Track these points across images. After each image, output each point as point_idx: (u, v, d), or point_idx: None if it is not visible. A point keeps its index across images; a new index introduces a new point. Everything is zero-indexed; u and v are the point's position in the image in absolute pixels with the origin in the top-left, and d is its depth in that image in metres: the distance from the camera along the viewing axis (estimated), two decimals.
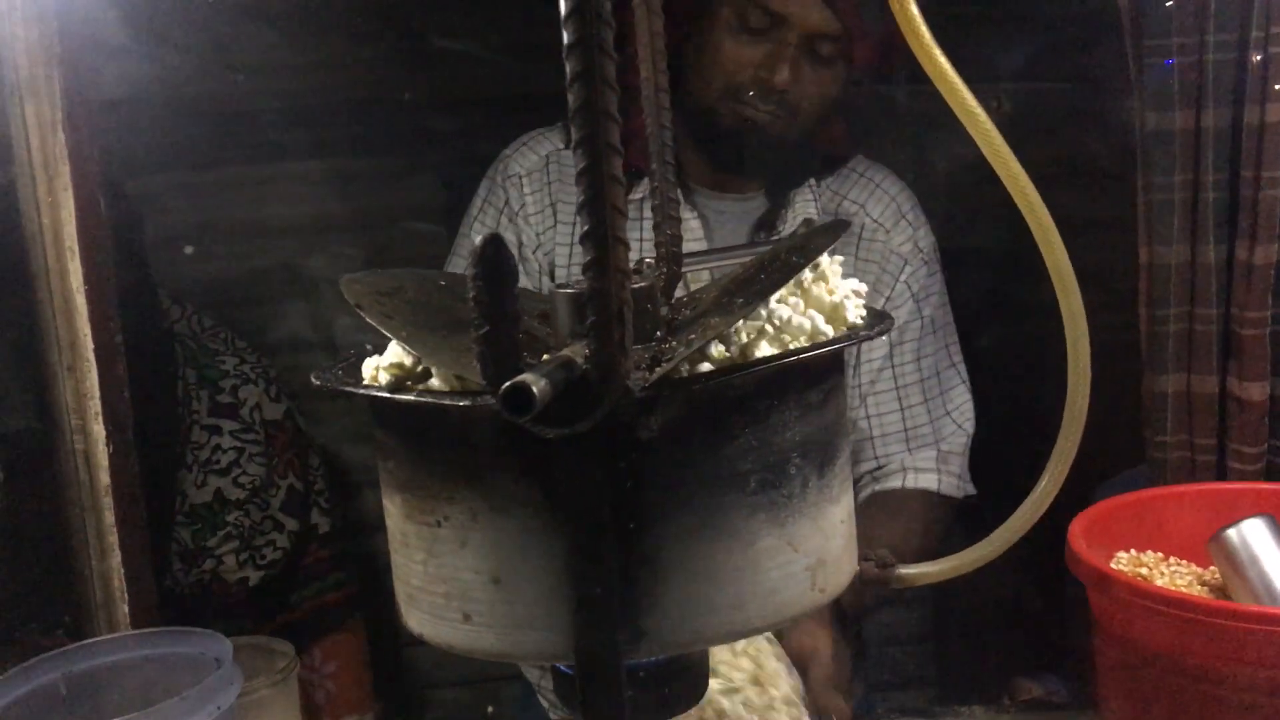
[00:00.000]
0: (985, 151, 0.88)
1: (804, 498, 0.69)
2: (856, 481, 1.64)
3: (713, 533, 0.66)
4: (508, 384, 0.52)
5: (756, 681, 1.13)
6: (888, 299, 1.61)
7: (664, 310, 0.78)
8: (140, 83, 1.60)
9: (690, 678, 0.74)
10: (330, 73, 2.16)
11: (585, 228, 0.56)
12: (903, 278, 1.61)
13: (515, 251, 1.57)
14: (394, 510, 0.71)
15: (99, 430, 1.31)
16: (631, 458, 0.63)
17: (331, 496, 1.93)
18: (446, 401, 0.63)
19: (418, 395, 0.65)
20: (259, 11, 1.81)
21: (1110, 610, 1.05)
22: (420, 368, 0.66)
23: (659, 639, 0.65)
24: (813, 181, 1.61)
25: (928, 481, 1.61)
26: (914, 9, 0.86)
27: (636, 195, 1.53)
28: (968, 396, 1.66)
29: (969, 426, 1.64)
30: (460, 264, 1.56)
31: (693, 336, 0.67)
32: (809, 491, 0.69)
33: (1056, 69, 1.88)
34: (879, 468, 1.63)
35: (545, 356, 0.63)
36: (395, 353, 0.67)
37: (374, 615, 1.97)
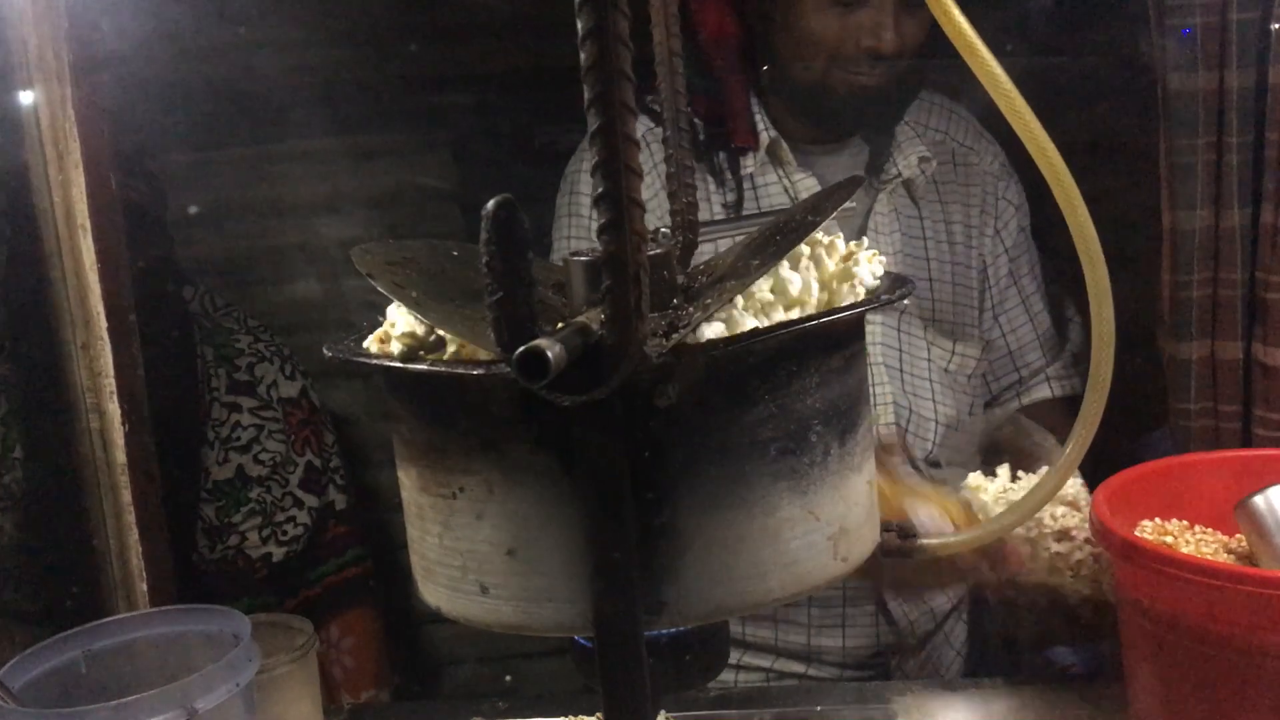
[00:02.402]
0: (1011, 120, 0.86)
1: (825, 465, 0.68)
2: (998, 397, 1.68)
3: (733, 501, 0.65)
4: (522, 349, 0.51)
5: None
6: (996, 217, 1.62)
7: (681, 278, 0.77)
8: (154, 61, 1.58)
9: (711, 648, 0.73)
10: (344, 49, 2.15)
11: (599, 190, 0.55)
12: (1001, 193, 1.63)
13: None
14: (409, 483, 0.70)
15: (114, 409, 1.30)
16: (649, 426, 0.62)
17: (346, 473, 1.93)
18: (460, 370, 0.62)
19: (431, 364, 0.64)
20: None
21: (1136, 579, 1.03)
22: (433, 337, 0.65)
23: (679, 610, 0.64)
24: (906, 120, 1.60)
25: (1073, 386, 1.64)
26: None
27: (748, 169, 1.54)
28: (1067, 298, 1.69)
29: (1079, 319, 1.67)
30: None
31: (709, 301, 0.65)
32: (830, 459, 0.68)
33: (1078, 40, 1.85)
34: (1020, 380, 1.66)
35: (561, 324, 0.62)
36: (408, 322, 0.66)
37: (390, 592, 1.97)
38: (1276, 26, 1.26)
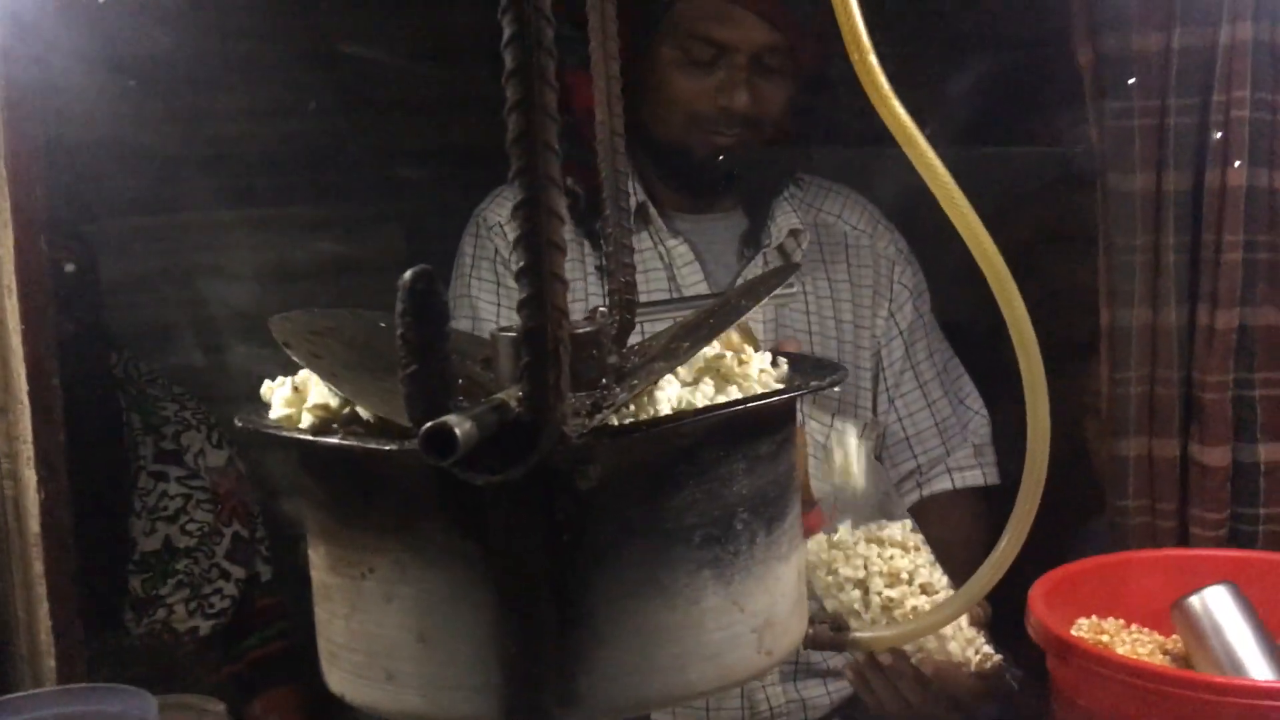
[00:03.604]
0: (949, 212, 0.86)
1: (751, 555, 0.66)
2: (900, 484, 1.66)
3: (654, 590, 0.62)
4: (428, 425, 0.49)
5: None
6: (890, 300, 1.64)
7: (614, 358, 0.75)
8: (94, 125, 1.57)
9: None
10: (292, 120, 2.14)
11: (520, 263, 0.53)
12: (897, 278, 1.64)
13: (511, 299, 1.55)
14: (318, 561, 0.67)
15: (30, 475, 1.26)
16: (569, 509, 0.60)
17: (272, 544, 1.89)
18: (371, 445, 0.60)
19: (342, 438, 0.61)
20: (217, 58, 1.79)
21: (1070, 678, 1.02)
22: (347, 410, 0.63)
23: (594, 702, 0.62)
24: (787, 193, 1.63)
25: (974, 478, 1.63)
26: (874, 61, 0.84)
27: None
28: (972, 384, 1.69)
29: (985, 413, 1.67)
30: (463, 325, 1.54)
31: (635, 382, 0.64)
32: (757, 549, 0.66)
33: (1021, 131, 1.90)
34: (918, 469, 1.65)
35: (483, 400, 0.59)
36: (320, 393, 0.64)
37: (316, 671, 1.91)
38: (1218, 135, 1.28)
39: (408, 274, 0.53)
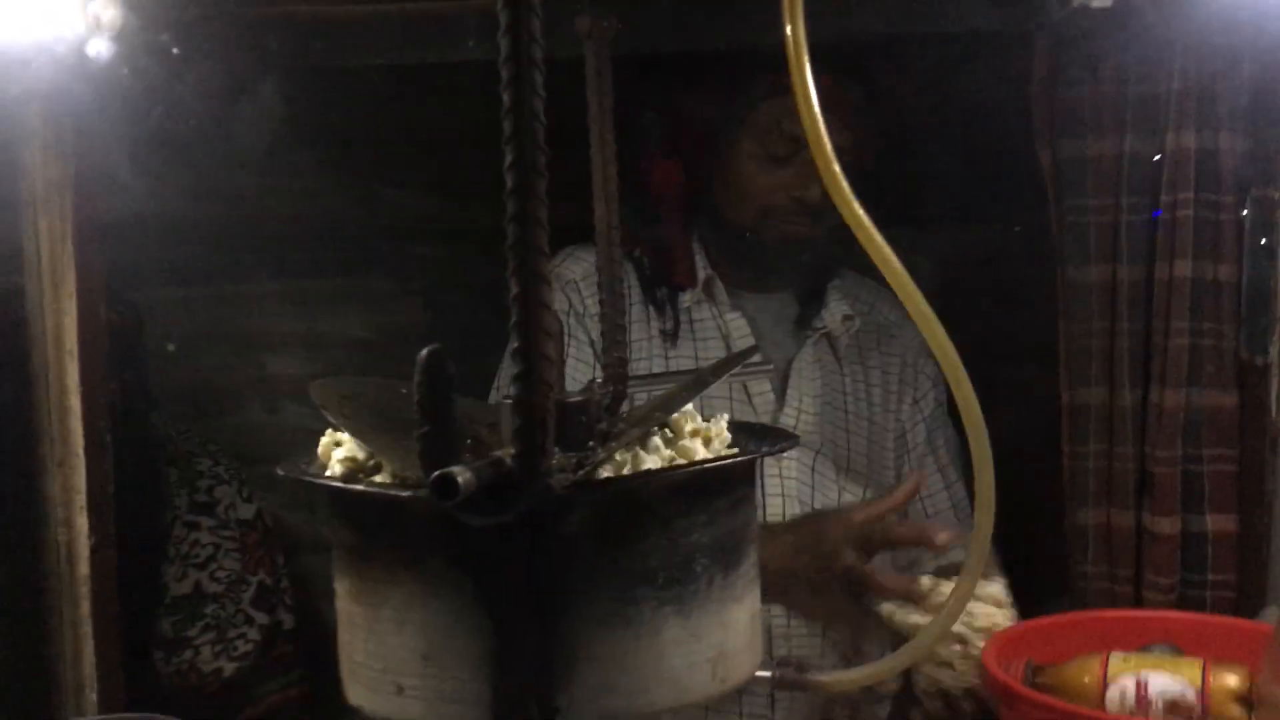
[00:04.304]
0: (902, 298, 0.97)
1: (709, 595, 0.77)
2: (914, 561, 1.70)
3: (622, 622, 0.74)
4: (436, 473, 0.61)
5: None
6: (915, 388, 1.74)
7: (602, 425, 0.87)
8: (139, 201, 1.71)
9: None
10: (329, 197, 2.28)
11: (514, 345, 0.66)
12: (923, 370, 1.74)
13: (591, 349, 1.68)
14: (342, 592, 0.79)
15: (82, 523, 1.38)
16: (552, 550, 0.72)
17: (295, 595, 2.00)
18: (391, 492, 0.72)
19: (366, 486, 0.74)
20: (254, 139, 1.94)
21: None
22: (371, 462, 0.76)
23: (571, 715, 0.73)
24: (837, 281, 1.74)
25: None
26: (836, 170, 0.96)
27: (685, 304, 1.68)
28: None
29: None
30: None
31: (613, 445, 0.76)
32: (714, 589, 0.78)
33: (989, 214, 2.02)
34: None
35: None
36: (349, 448, 0.77)
37: (330, 716, 2.01)
38: (1164, 222, 1.40)
39: (423, 352, 0.66)
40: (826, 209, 1.61)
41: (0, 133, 1.34)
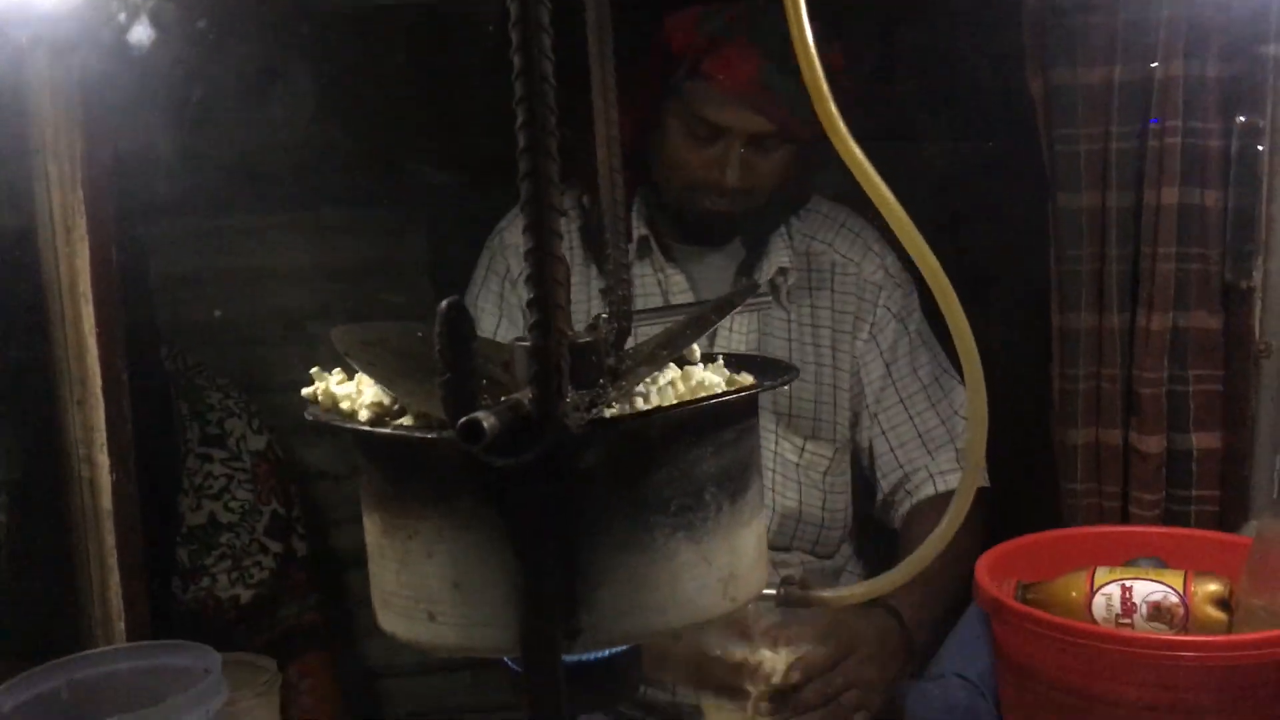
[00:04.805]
0: (893, 226, 1.00)
1: (718, 521, 0.82)
2: (891, 495, 1.77)
3: (639, 548, 0.79)
4: (463, 420, 0.65)
5: None
6: (871, 324, 1.75)
7: (610, 361, 0.91)
8: (146, 132, 1.72)
9: (622, 675, 0.87)
10: (332, 129, 2.29)
11: (530, 295, 0.70)
12: (881, 302, 1.76)
13: (497, 315, 1.72)
14: (372, 527, 0.83)
15: (103, 460, 1.43)
16: (571, 485, 0.77)
17: (307, 524, 2.06)
18: (419, 435, 0.76)
19: (394, 430, 0.78)
20: (259, 71, 1.95)
21: (1007, 636, 1.18)
22: (396, 406, 0.80)
23: (592, 636, 0.78)
24: (783, 228, 1.76)
25: (955, 481, 1.71)
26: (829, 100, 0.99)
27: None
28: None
29: None
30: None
31: (624, 384, 0.80)
32: (723, 515, 0.82)
33: (979, 158, 2.04)
34: (905, 477, 1.75)
35: (503, 399, 0.76)
36: (375, 393, 0.81)
37: (345, 639, 2.10)
38: (1152, 149, 1.43)
39: (443, 304, 0.69)
40: (753, 189, 1.65)
41: (8, 79, 1.35)
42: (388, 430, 0.78)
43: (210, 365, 2.05)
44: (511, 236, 1.78)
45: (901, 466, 1.76)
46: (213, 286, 2.29)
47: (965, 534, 1.69)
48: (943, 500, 1.71)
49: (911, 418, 1.76)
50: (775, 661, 1.38)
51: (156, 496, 1.88)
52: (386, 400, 0.81)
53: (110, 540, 1.44)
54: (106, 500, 1.44)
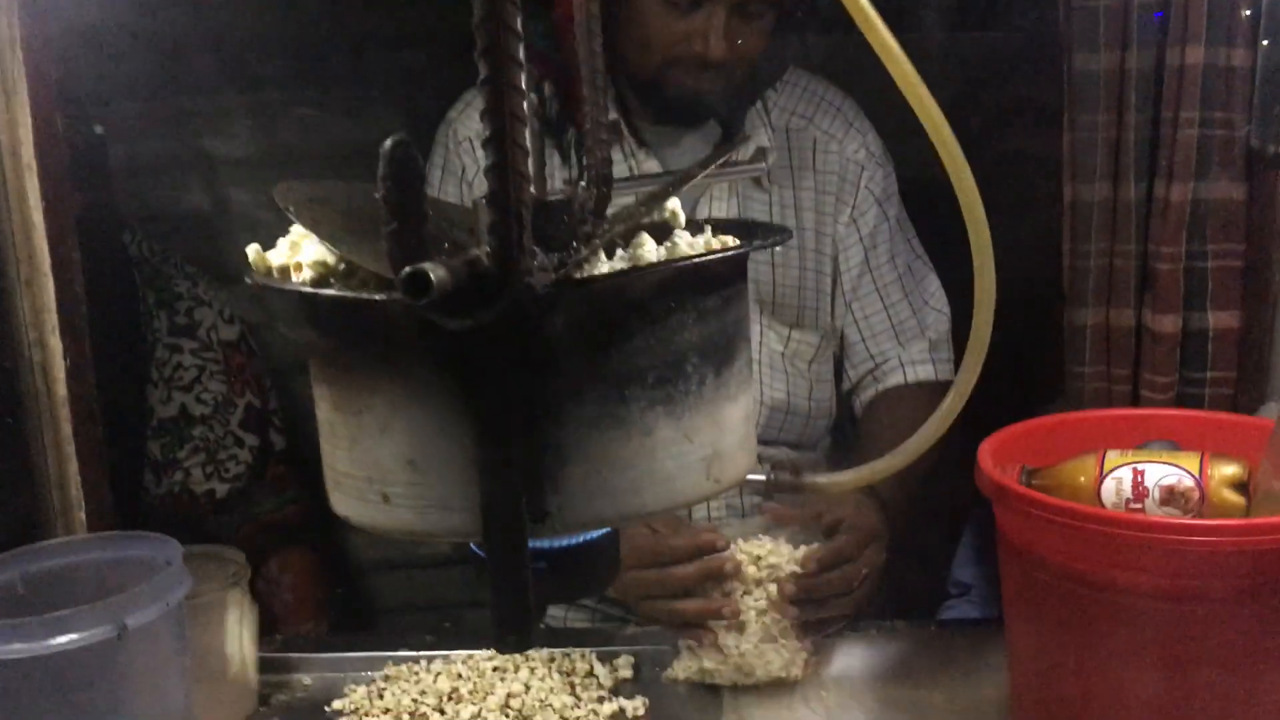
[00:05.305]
0: (903, 89, 0.91)
1: (700, 394, 0.74)
2: (858, 384, 1.72)
3: (612, 423, 0.71)
4: (407, 269, 0.57)
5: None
6: (853, 206, 1.67)
7: (587, 226, 0.83)
8: (103, 9, 1.62)
9: (598, 564, 0.80)
10: (297, 7, 2.18)
11: (486, 134, 0.61)
12: (863, 183, 1.67)
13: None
14: (321, 401, 0.76)
15: (56, 344, 1.35)
16: (537, 352, 0.68)
17: (284, 416, 1.99)
18: (365, 295, 0.68)
19: (339, 290, 0.70)
20: None
21: (1011, 522, 1.11)
22: (343, 266, 0.71)
23: (561, 519, 0.71)
24: (760, 105, 1.65)
25: (926, 372, 1.69)
26: None
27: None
28: (938, 283, 1.73)
29: (947, 310, 1.72)
30: None
31: (595, 241, 0.72)
32: (706, 389, 0.75)
33: (991, 17, 1.93)
34: (876, 366, 1.70)
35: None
36: (319, 251, 0.72)
37: (325, 533, 2.04)
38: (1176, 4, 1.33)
39: (387, 142, 0.61)
40: (736, 63, 1.53)
41: None
42: (332, 292, 0.70)
43: (178, 253, 1.97)
44: (465, 128, 1.66)
45: (872, 357, 1.71)
46: (175, 171, 2.19)
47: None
48: (912, 390, 1.69)
49: (886, 308, 1.70)
50: (779, 554, 1.32)
51: (124, 387, 1.82)
52: (331, 260, 0.72)
53: (67, 428, 1.37)
54: (61, 386, 1.36)
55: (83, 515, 1.38)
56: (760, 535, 1.35)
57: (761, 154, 1.63)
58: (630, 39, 1.55)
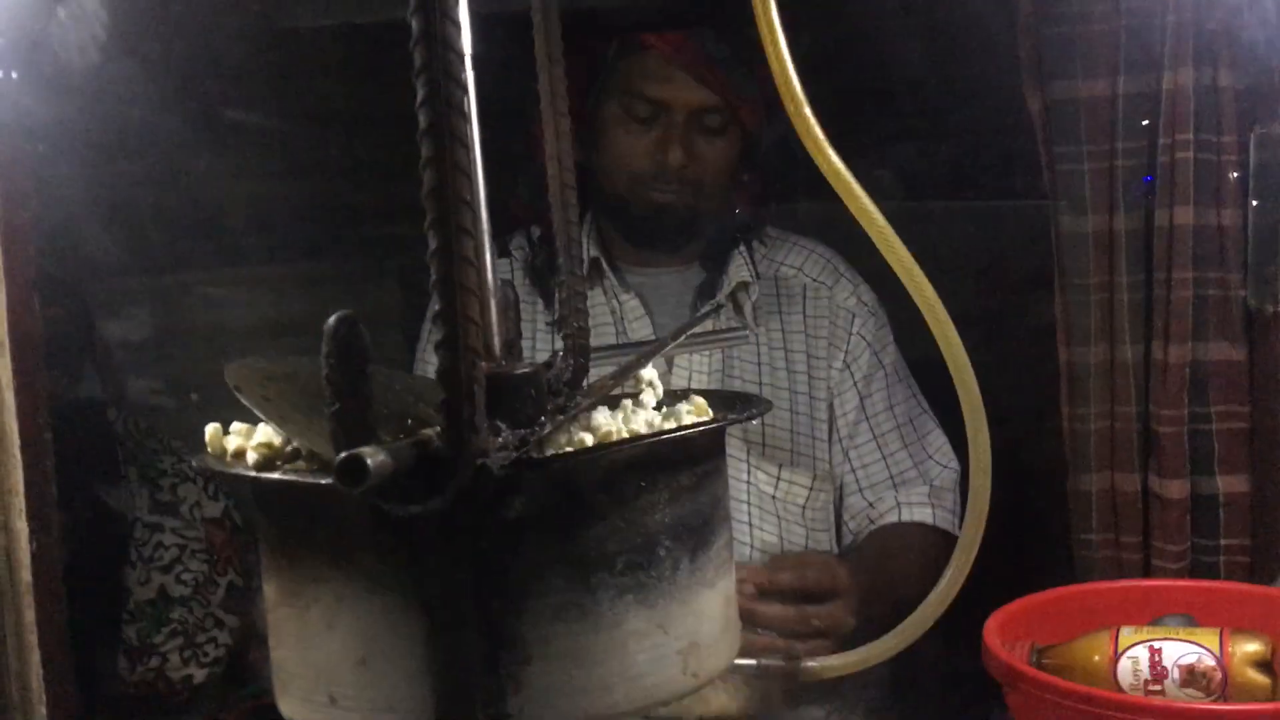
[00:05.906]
0: (887, 258, 0.89)
1: (675, 580, 0.69)
2: (854, 529, 1.67)
3: (578, 614, 0.66)
4: (342, 455, 0.53)
5: None
6: (846, 351, 1.65)
7: (561, 400, 0.79)
8: (87, 189, 1.63)
9: None
10: (290, 180, 2.21)
11: (436, 307, 0.58)
12: (855, 330, 1.65)
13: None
14: (270, 594, 0.71)
15: (22, 527, 1.29)
16: (495, 538, 0.64)
17: None
18: (305, 480, 0.64)
19: (282, 474, 0.65)
20: (208, 122, 1.85)
21: (1023, 708, 1.04)
22: (289, 448, 0.67)
23: None
24: (743, 248, 1.65)
25: (922, 515, 1.62)
26: (808, 114, 0.88)
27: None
28: (944, 438, 1.68)
29: (954, 465, 1.65)
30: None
31: (560, 417, 0.68)
32: (680, 574, 0.69)
33: (975, 179, 1.94)
34: (870, 507, 1.65)
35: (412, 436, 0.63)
36: (265, 433, 0.68)
37: None
38: (1162, 165, 1.32)
39: (331, 319, 0.57)
40: (700, 178, 1.56)
41: None
42: (272, 475, 0.66)
43: (164, 429, 1.93)
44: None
45: (872, 505, 1.66)
46: (166, 346, 2.18)
47: (924, 568, 1.59)
48: (905, 530, 1.63)
49: (884, 457, 1.65)
50: None
51: (101, 570, 1.76)
52: (277, 441, 0.68)
53: (30, 615, 1.30)
54: (25, 572, 1.30)
55: (44, 710, 1.30)
56: None
57: (742, 288, 1.62)
58: (600, 160, 1.60)
